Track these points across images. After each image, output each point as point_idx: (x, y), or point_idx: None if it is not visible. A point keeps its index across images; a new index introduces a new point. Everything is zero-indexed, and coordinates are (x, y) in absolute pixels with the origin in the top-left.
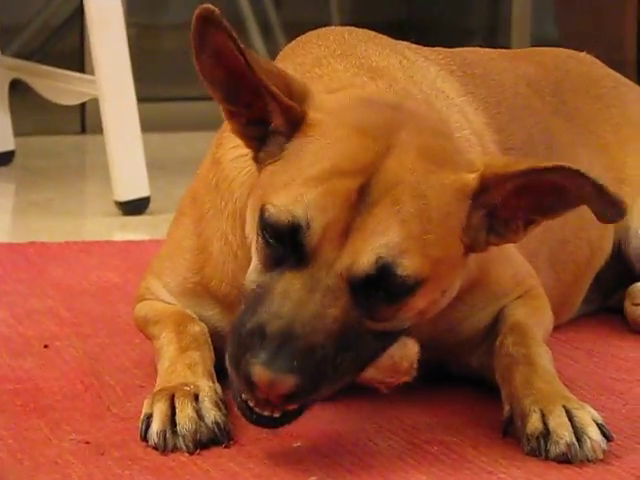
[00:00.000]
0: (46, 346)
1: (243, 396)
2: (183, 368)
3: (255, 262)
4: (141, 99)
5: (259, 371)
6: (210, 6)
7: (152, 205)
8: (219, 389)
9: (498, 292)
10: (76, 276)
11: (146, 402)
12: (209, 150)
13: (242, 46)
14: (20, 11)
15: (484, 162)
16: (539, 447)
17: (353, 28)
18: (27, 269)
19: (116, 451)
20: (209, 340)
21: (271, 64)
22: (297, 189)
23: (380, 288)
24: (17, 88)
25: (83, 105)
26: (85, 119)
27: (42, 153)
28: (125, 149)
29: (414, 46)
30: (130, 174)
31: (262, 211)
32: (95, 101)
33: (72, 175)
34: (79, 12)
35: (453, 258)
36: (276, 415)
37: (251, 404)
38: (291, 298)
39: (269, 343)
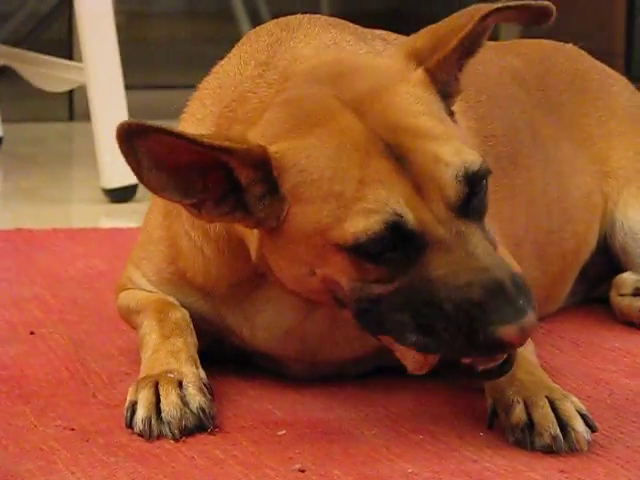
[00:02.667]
0: (32, 333)
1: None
2: (166, 355)
3: (359, 285)
4: (129, 87)
5: (505, 331)
6: (125, 121)
7: (139, 193)
8: (203, 374)
9: None
10: (62, 263)
11: (130, 389)
12: None
13: (175, 132)
14: None
15: (408, 54)
16: (524, 438)
17: (311, 16)
18: (13, 256)
19: (101, 438)
20: (191, 326)
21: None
22: (354, 207)
23: (472, 195)
24: (5, 75)
25: (71, 92)
26: (73, 106)
27: (30, 140)
28: (112, 137)
29: (393, 35)
30: (117, 161)
31: (345, 244)
32: (83, 88)
33: (59, 162)
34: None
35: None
36: (500, 362)
37: (477, 365)
38: (455, 265)
39: (490, 305)
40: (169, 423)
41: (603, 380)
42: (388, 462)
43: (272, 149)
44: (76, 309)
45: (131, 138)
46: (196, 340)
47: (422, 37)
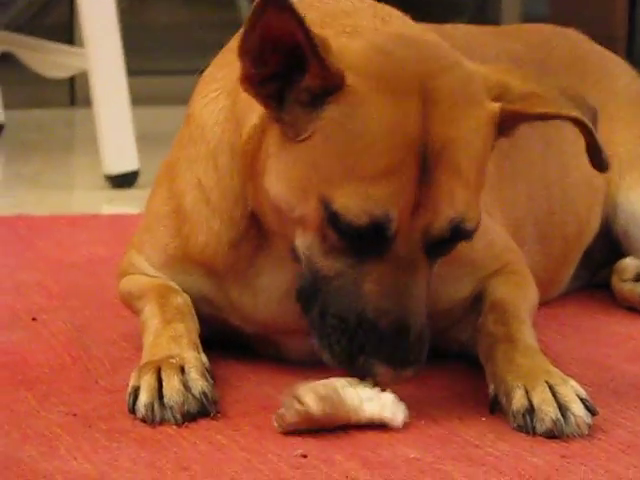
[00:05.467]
0: (34, 319)
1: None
2: (168, 341)
3: (316, 242)
4: (131, 72)
5: (381, 370)
6: None
7: (141, 178)
8: (205, 359)
9: (473, 262)
10: (64, 249)
11: (133, 375)
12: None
13: (300, 17)
14: None
15: (498, 83)
16: (525, 424)
17: None
18: (15, 242)
19: (103, 423)
20: (193, 311)
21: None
22: (362, 186)
23: (448, 242)
24: (7, 61)
25: (72, 78)
26: (75, 92)
27: (31, 126)
28: (114, 122)
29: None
30: (119, 147)
31: (328, 206)
32: (85, 74)
33: (61, 148)
34: None
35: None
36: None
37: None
38: (388, 289)
39: (385, 341)
40: (171, 408)
41: (605, 365)
42: (390, 447)
43: (348, 80)
44: (78, 295)
45: (267, 5)
46: (198, 325)
47: (516, 78)
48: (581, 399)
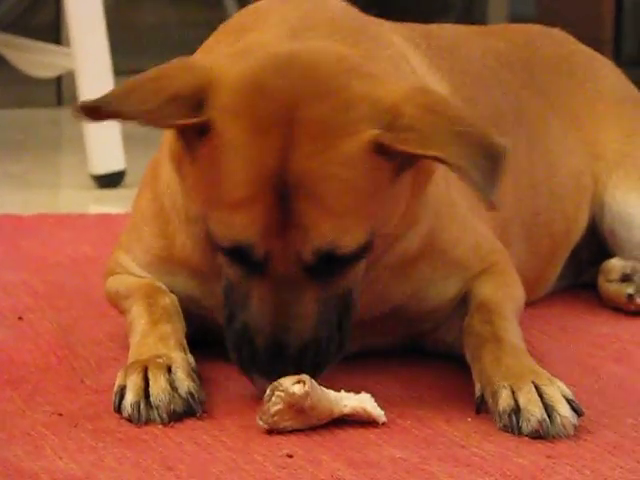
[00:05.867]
0: (20, 318)
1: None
2: (155, 341)
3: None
4: (117, 72)
5: (259, 382)
6: (79, 103)
7: (127, 178)
8: (192, 360)
9: (459, 262)
10: (50, 249)
11: (119, 375)
12: None
13: (132, 110)
14: None
15: (390, 110)
16: (511, 424)
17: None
18: (1, 241)
19: (89, 423)
20: (180, 311)
21: (163, 72)
22: (225, 214)
23: (333, 264)
24: None
25: (59, 78)
26: (61, 92)
27: (18, 126)
28: (101, 122)
29: (378, 20)
30: (106, 147)
31: (207, 226)
32: (71, 74)
33: (47, 147)
34: None
35: (388, 199)
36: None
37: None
38: (268, 307)
39: (260, 356)
40: (158, 407)
41: (590, 366)
42: (376, 447)
43: (215, 125)
44: (64, 295)
45: (90, 115)
46: (184, 326)
47: (418, 105)
48: (567, 400)
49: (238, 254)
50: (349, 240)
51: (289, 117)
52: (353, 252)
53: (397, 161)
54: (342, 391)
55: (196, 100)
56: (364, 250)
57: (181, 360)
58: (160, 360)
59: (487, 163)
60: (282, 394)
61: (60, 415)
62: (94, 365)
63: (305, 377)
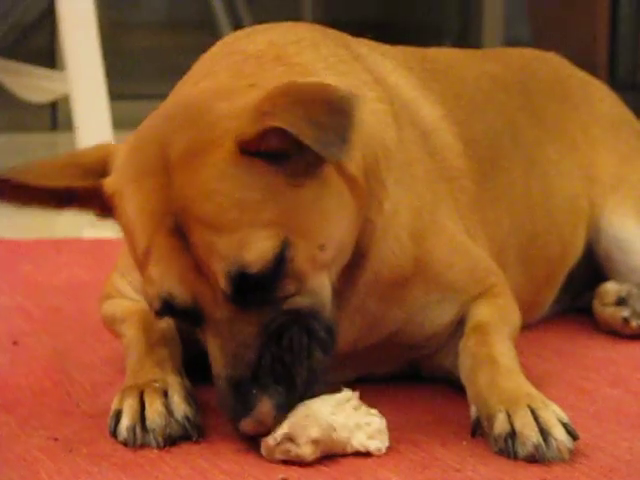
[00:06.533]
0: (15, 342)
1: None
2: (151, 365)
3: None
4: (113, 96)
5: (245, 424)
6: None
7: None
8: (188, 384)
9: (454, 285)
10: (46, 273)
11: (115, 399)
12: None
13: (32, 182)
14: None
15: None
16: (507, 448)
17: (301, 24)
18: None
19: (85, 448)
20: (176, 336)
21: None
22: (145, 273)
23: (255, 284)
24: None
25: (54, 102)
26: (56, 116)
27: (13, 150)
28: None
29: (374, 43)
30: None
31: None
32: (66, 98)
33: None
34: (51, 9)
35: (300, 207)
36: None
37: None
38: (218, 353)
39: (230, 400)
40: (153, 431)
41: (586, 389)
42: (372, 471)
43: (108, 189)
44: (59, 319)
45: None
46: (181, 350)
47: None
48: (563, 423)
49: (172, 311)
50: (253, 254)
51: (163, 155)
52: (267, 267)
53: (287, 164)
54: (355, 411)
55: (100, 168)
56: (281, 262)
57: (177, 384)
58: (156, 384)
59: (334, 119)
60: (293, 452)
61: (55, 439)
62: (89, 389)
63: (318, 432)
